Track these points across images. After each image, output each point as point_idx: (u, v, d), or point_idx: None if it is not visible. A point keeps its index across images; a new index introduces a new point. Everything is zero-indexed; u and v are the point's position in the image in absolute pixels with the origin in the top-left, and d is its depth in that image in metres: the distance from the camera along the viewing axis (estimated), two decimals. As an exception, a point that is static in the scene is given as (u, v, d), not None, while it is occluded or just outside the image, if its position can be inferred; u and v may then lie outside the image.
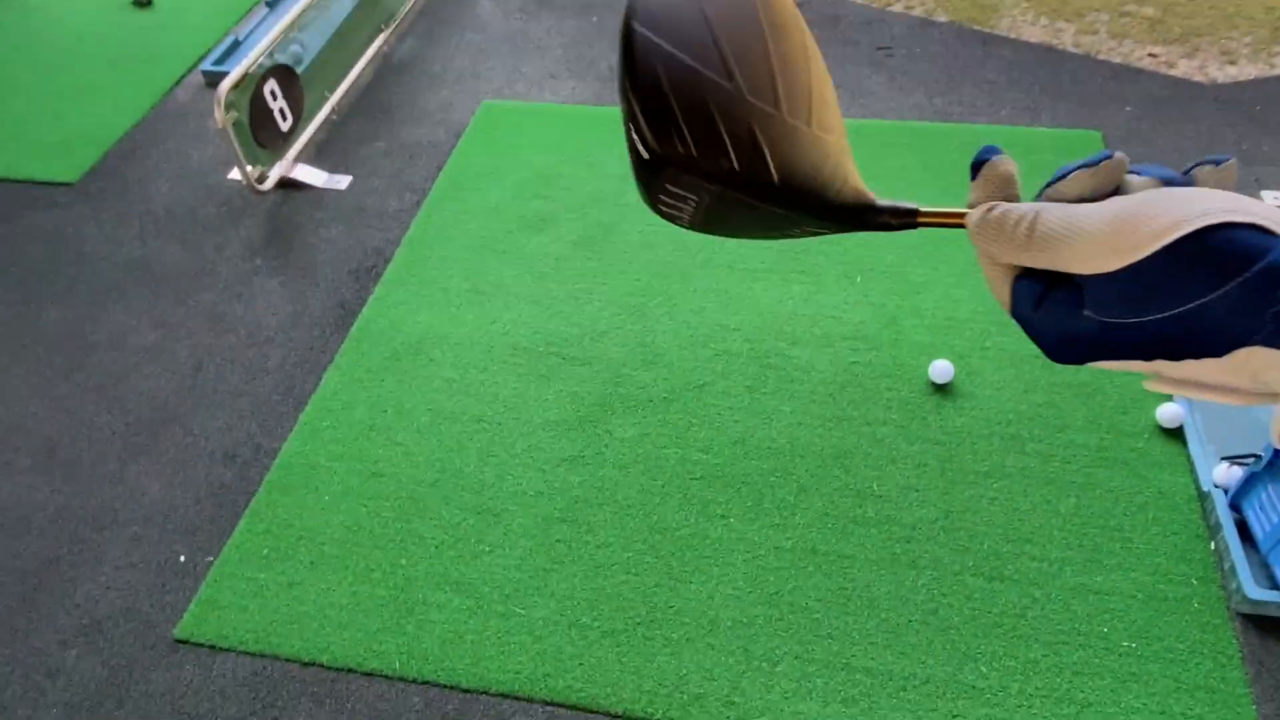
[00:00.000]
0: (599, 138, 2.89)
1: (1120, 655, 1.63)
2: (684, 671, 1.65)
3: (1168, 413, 1.94)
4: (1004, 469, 1.92)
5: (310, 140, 2.92)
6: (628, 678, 1.64)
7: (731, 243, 2.46)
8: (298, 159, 2.85)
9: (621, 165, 2.75)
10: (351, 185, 2.80)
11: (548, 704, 1.63)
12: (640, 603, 1.74)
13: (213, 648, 1.74)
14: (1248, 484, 1.73)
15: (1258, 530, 1.70)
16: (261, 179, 2.72)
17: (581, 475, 1.96)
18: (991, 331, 2.19)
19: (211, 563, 1.87)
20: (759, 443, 2.00)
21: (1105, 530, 1.80)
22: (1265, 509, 1.69)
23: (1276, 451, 1.63)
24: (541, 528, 1.87)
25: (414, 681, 1.67)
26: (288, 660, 1.71)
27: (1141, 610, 1.68)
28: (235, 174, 2.84)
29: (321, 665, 1.70)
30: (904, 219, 0.53)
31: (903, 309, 2.26)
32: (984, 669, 1.62)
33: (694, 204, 0.50)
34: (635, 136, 0.48)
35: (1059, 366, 2.09)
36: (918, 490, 1.89)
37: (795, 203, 0.49)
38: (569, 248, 2.50)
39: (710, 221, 0.52)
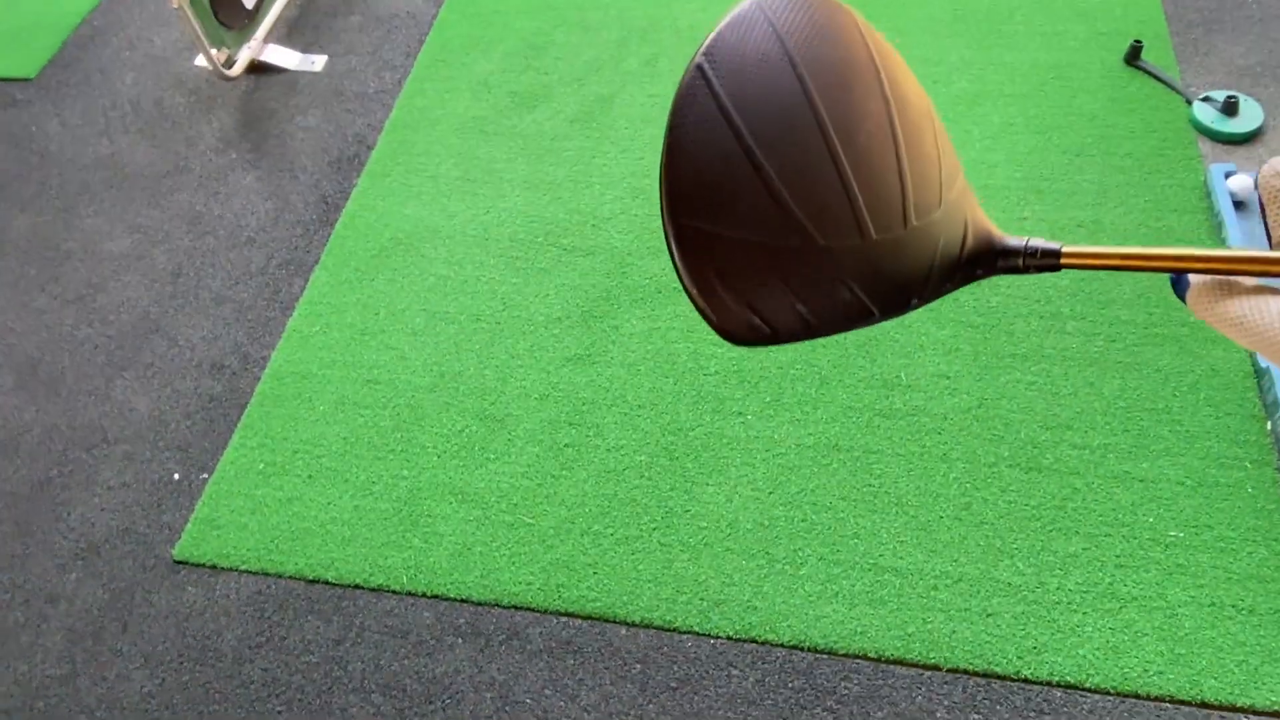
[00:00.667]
0: (594, -1, 2.62)
1: (1167, 546, 1.53)
2: (703, 577, 1.57)
3: (1224, 283, 1.77)
4: (1043, 351, 1.77)
5: (279, 17, 2.68)
6: (644, 585, 1.57)
7: (742, 112, 2.24)
8: (267, 39, 2.61)
9: (620, 29, 2.50)
10: (327, 66, 2.58)
11: (562, 614, 1.56)
12: (655, 507, 1.66)
13: (214, 567, 1.68)
14: (1313, 359, 1.58)
15: (1322, 409, 1.57)
16: (229, 63, 2.50)
17: (588, 375, 1.84)
18: (1030, 199, 2.00)
19: (207, 480, 1.79)
20: (777, 332, 1.86)
21: (1153, 413, 1.67)
22: (1332, 386, 1.55)
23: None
24: (548, 432, 1.76)
25: (423, 596, 1.61)
26: (291, 578, 1.65)
27: (1190, 498, 1.57)
28: (202, 60, 2.62)
29: (326, 582, 1.64)
30: (1045, 260, 0.49)
31: (932, 179, 2.06)
32: (1020, 565, 1.53)
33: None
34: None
35: (1104, 235, 1.92)
36: (949, 378, 1.76)
37: (902, 301, 0.48)
38: (566, 125, 2.30)
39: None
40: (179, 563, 1.70)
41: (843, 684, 1.46)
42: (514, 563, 1.62)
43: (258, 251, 2.16)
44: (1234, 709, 1.38)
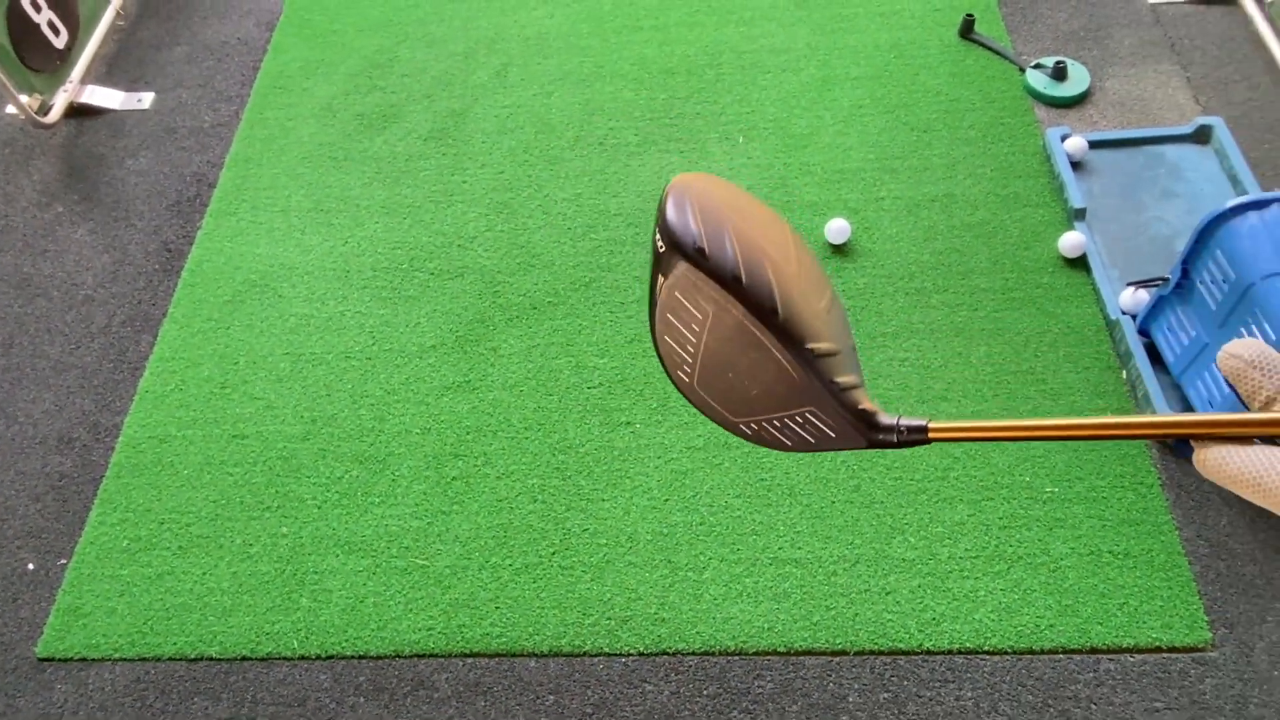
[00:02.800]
0: (436, 9, 2.54)
1: (1045, 503, 1.59)
2: (608, 596, 1.55)
3: (1069, 242, 1.86)
4: (912, 326, 1.82)
5: (96, 55, 2.49)
6: (549, 613, 1.54)
7: (600, 115, 2.23)
8: (85, 79, 2.43)
9: (466, 41, 2.44)
10: (155, 103, 2.41)
11: (468, 656, 1.51)
12: (553, 530, 1.62)
13: (84, 660, 1.55)
14: (1155, 308, 1.68)
15: (1168, 354, 1.67)
16: (44, 109, 2.31)
17: (470, 402, 1.79)
18: (884, 179, 2.05)
19: (65, 566, 1.65)
20: (656, 336, 1.85)
21: (1018, 375, 1.74)
22: (1174, 331, 1.64)
23: (1184, 271, 1.57)
24: (433, 467, 1.70)
25: (318, 658, 1.53)
26: (171, 660, 1.54)
27: (1061, 453, 1.64)
28: (12, 108, 2.41)
29: (210, 658, 1.54)
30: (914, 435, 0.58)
31: (790, 167, 2.09)
32: (911, 539, 1.57)
33: (698, 325, 0.59)
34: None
35: (957, 208, 1.98)
36: (827, 363, 1.79)
37: (796, 351, 0.57)
38: (419, 144, 2.22)
39: (710, 363, 0.61)
40: (44, 660, 1.56)
41: (756, 683, 1.46)
42: (411, 609, 1.55)
43: (98, 310, 2.01)
44: (1121, 650, 1.45)
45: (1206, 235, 1.49)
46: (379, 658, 1.52)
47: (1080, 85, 2.14)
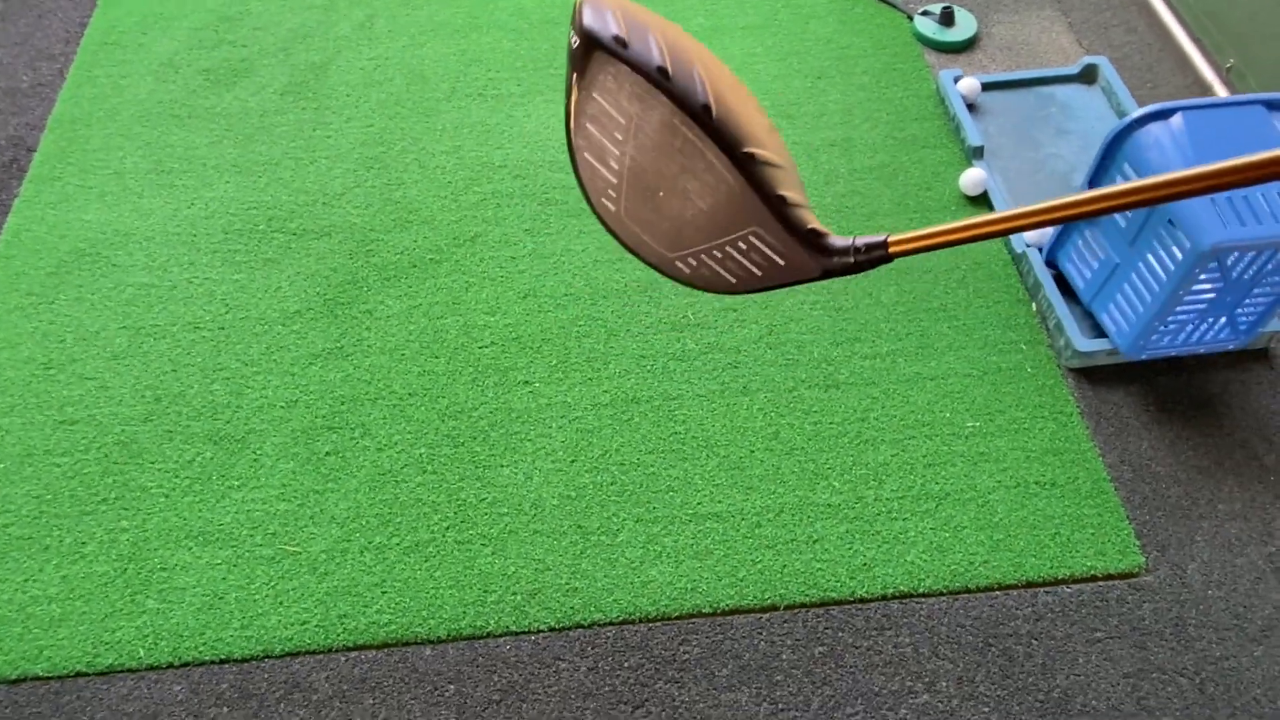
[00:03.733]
0: (291, -37, 2.32)
1: (967, 438, 1.52)
2: (512, 570, 1.38)
3: (970, 179, 1.82)
4: (821, 269, 1.73)
5: (-117, 7, 2.15)
6: (445, 594, 1.35)
7: (478, 66, 2.06)
8: None
9: (325, -8, 2.23)
10: (-41, 60, 2.10)
11: (351, 649, 1.31)
12: (445, 503, 1.44)
13: None
14: (1062, 237, 1.65)
15: (1077, 282, 1.63)
16: None
17: (343, 370, 1.58)
18: (782, 126, 1.96)
19: None
20: (552, 291, 1.69)
21: (931, 313, 1.67)
22: (1082, 258, 1.61)
23: (1089, 194, 1.53)
24: (303, 443, 1.49)
25: (170, 666, 1.30)
26: (-17, 687, 1.28)
27: (979, 387, 1.58)
28: None
29: (37, 678, 1.28)
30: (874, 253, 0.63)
31: (685, 114, 1.98)
32: (836, 484, 1.47)
33: (623, 134, 0.56)
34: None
35: (856, 152, 1.92)
36: (735, 309, 1.68)
37: (733, 157, 0.55)
38: (275, 99, 2.00)
39: (638, 183, 0.58)
40: None
41: (682, 649, 1.32)
42: (281, 603, 1.34)
43: (-113, 290, 1.70)
44: (1057, 582, 1.38)
45: (1114, 150, 1.46)
46: (245, 660, 1.30)
47: (968, 30, 2.13)
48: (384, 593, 1.35)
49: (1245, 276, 1.41)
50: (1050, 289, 1.65)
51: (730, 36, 2.14)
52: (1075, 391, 1.58)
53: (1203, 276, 1.39)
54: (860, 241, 0.57)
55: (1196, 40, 2.07)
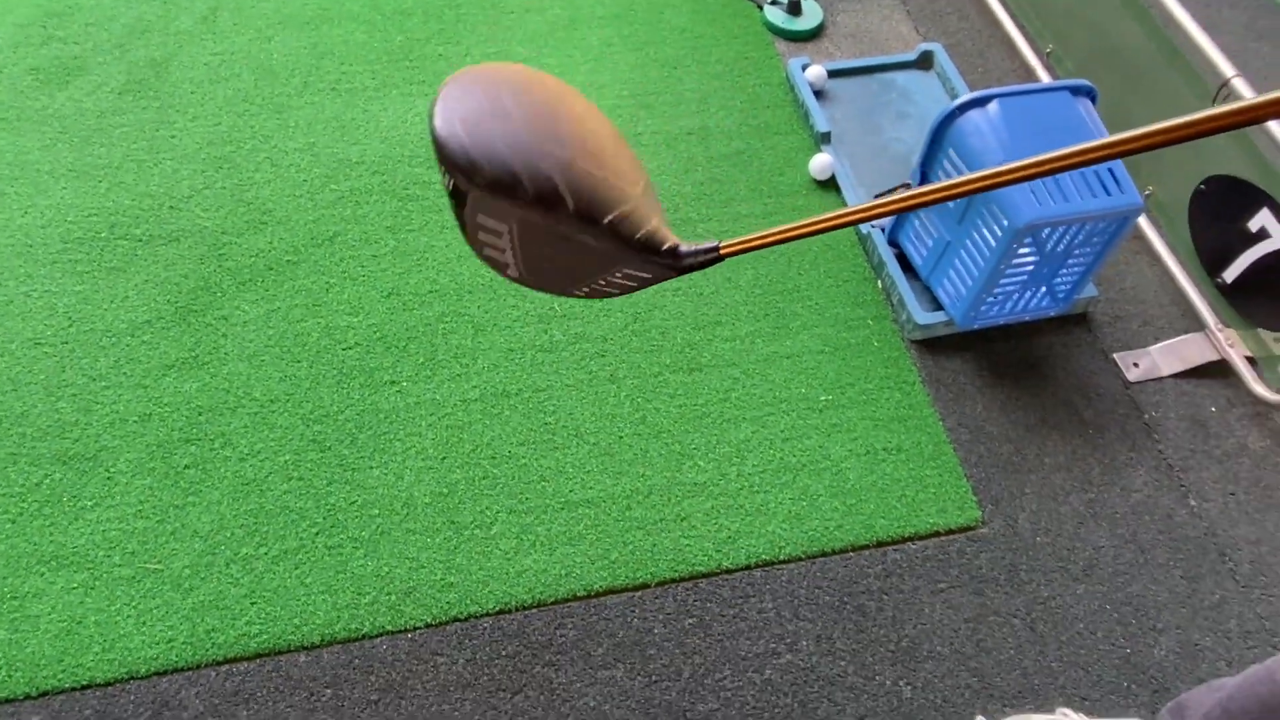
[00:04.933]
0: (123, -48, 2.20)
1: (821, 411, 1.62)
2: (385, 570, 1.38)
3: (818, 164, 1.91)
4: (681, 255, 1.79)
5: None
6: (318, 599, 1.35)
7: (330, 59, 2.02)
8: None
9: (162, -17, 2.13)
10: None
11: (221, 663, 1.30)
12: (314, 509, 1.43)
13: None
14: (901, 217, 1.75)
15: (916, 258, 1.74)
16: None
17: (199, 380, 1.54)
18: (641, 114, 2.01)
19: None
20: (416, 289, 1.69)
21: (785, 294, 1.76)
22: (919, 236, 1.72)
23: (923, 176, 1.64)
24: (160, 457, 1.45)
25: (27, 698, 1.25)
26: None
27: (831, 362, 1.68)
28: None
29: (-125, 727, 1.22)
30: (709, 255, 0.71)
31: (544, 106, 2.00)
32: (701, 463, 1.54)
33: (507, 235, 0.68)
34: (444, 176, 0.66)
35: (713, 140, 1.98)
36: (600, 300, 1.71)
37: (596, 229, 0.66)
38: (113, 98, 1.91)
39: (530, 259, 0.71)
40: None
41: (558, 633, 1.36)
42: (144, 623, 1.31)
43: None
44: (904, 540, 1.49)
45: (939, 136, 1.57)
46: (108, 684, 1.26)
47: (814, 19, 2.22)
48: (253, 603, 1.34)
49: (1058, 249, 1.55)
50: (893, 267, 1.75)
51: (588, 27, 2.16)
52: (917, 362, 1.69)
53: (1021, 251, 1.51)
54: (697, 249, 0.71)
55: (1021, 27, 2.23)
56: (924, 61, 2.13)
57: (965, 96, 1.51)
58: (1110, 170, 1.48)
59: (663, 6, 2.23)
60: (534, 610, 1.38)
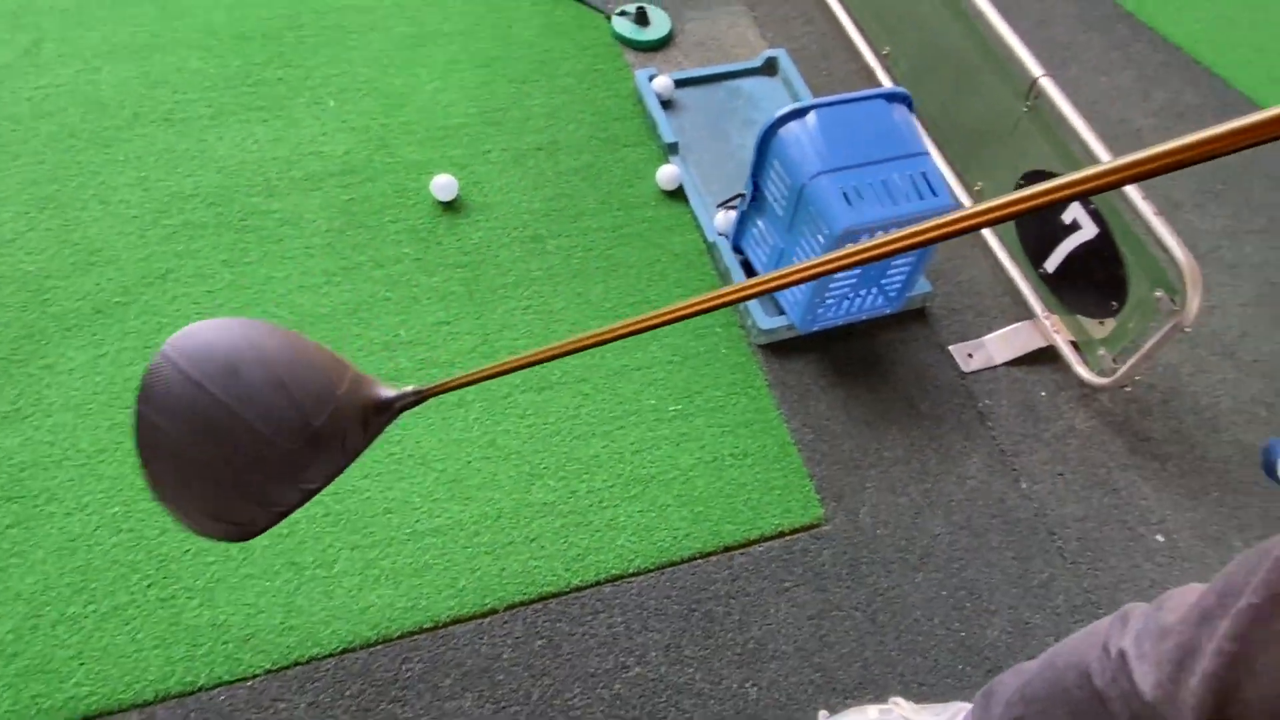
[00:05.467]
0: (-66, -18, 2.09)
1: (670, 421, 1.64)
2: (222, 618, 1.36)
3: (665, 175, 1.93)
4: (530, 275, 1.80)
5: None
6: (150, 655, 1.31)
7: (163, 89, 1.96)
8: None
9: (-24, 14, 2.03)
10: None
11: (48, 731, 1.25)
12: (145, 561, 1.39)
13: None
14: (741, 224, 1.79)
15: (757, 265, 1.78)
16: None
17: (21, 434, 1.48)
18: (489, 132, 2.00)
19: None
20: (255, 323, 1.65)
21: (635, 305, 1.78)
22: (759, 243, 1.76)
23: (755, 185, 1.68)
24: (-23, 519, 1.39)
25: None
26: None
27: (680, 371, 1.70)
28: None
29: None
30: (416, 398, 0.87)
31: (390, 127, 1.98)
32: (551, 482, 1.55)
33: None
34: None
35: (561, 154, 1.99)
36: (449, 323, 1.71)
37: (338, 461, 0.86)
38: (-77, 140, 1.82)
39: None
40: None
41: (404, 668, 1.35)
42: (-39, 695, 1.26)
43: None
44: (750, 543, 1.53)
45: (764, 148, 1.60)
46: (-80, 765, 1.21)
47: (662, 29, 2.24)
48: (82, 664, 1.30)
49: (882, 252, 1.60)
50: (737, 274, 1.79)
51: (434, 44, 2.14)
52: (764, 366, 1.73)
53: (845, 256, 1.56)
54: (405, 391, 0.85)
55: (861, 30, 2.30)
56: (769, 68, 2.18)
57: (784, 109, 1.55)
58: (924, 174, 1.54)
59: (511, 21, 2.22)
60: (379, 647, 1.37)
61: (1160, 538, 1.61)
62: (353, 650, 1.36)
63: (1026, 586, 1.53)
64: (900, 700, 1.35)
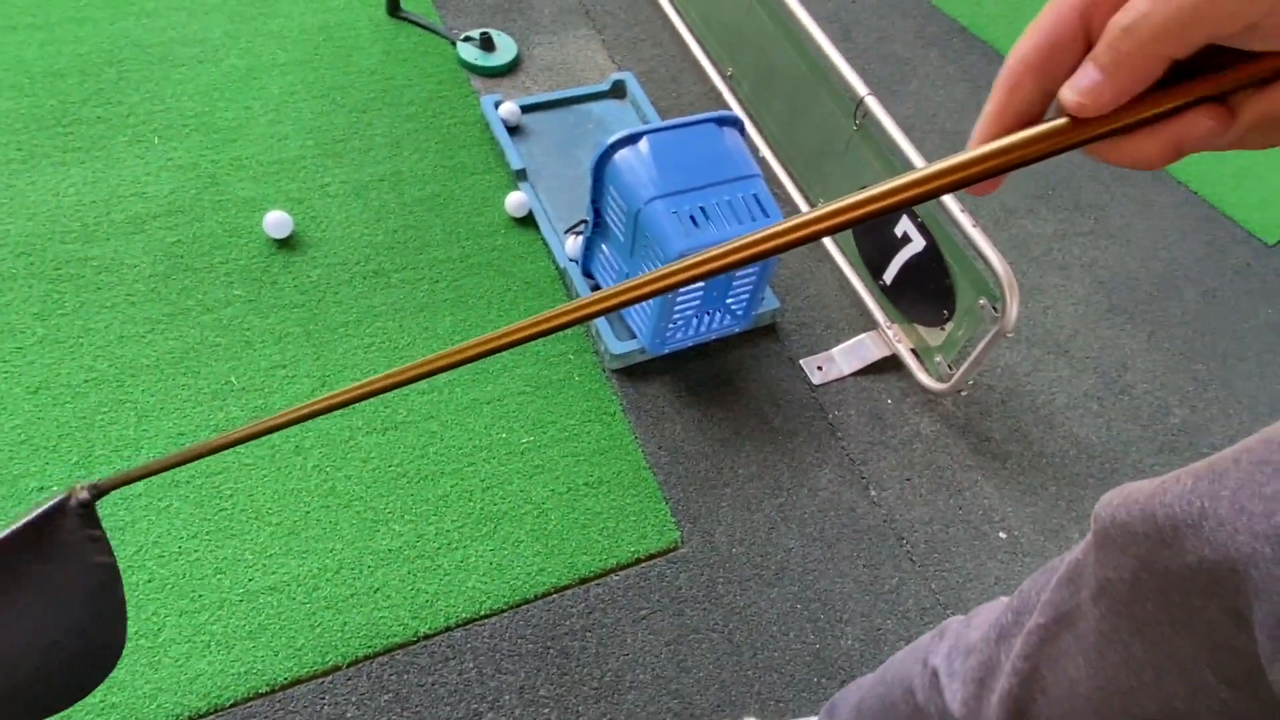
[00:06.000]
0: None
1: (523, 453, 1.61)
2: (30, 703, 1.25)
3: (514, 202, 1.91)
4: (374, 311, 1.74)
5: None
6: (-54, 752, 1.20)
7: (-40, 132, 1.82)
8: None
9: None
10: None
11: None
12: (-59, 648, 1.27)
13: None
14: (588, 249, 1.78)
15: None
16: None
17: None
18: (327, 165, 1.94)
19: None
20: (69, 379, 1.55)
21: (485, 337, 1.74)
22: (606, 266, 1.75)
23: (596, 211, 1.67)
24: None
25: None
26: None
27: (533, 402, 1.68)
28: None
29: None
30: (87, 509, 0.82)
31: (220, 164, 1.89)
32: (397, 527, 1.50)
33: None
34: None
35: (406, 185, 1.94)
36: (284, 366, 1.64)
37: None
38: None
39: None
40: None
41: (238, 737, 1.28)
42: None
43: None
44: (606, 573, 1.51)
45: (600, 173, 1.60)
46: None
47: (508, 54, 2.22)
48: None
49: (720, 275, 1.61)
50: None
51: (268, 75, 2.06)
52: (618, 391, 1.73)
53: (684, 279, 1.57)
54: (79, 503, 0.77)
55: (707, 52, 2.33)
56: (617, 90, 2.19)
57: (615, 136, 1.55)
58: (756, 196, 1.57)
59: (350, 50, 2.17)
60: (210, 717, 1.29)
61: (1003, 535, 1.67)
62: (180, 724, 1.28)
63: (877, 593, 1.56)
64: (752, 721, 1.35)
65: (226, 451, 1.48)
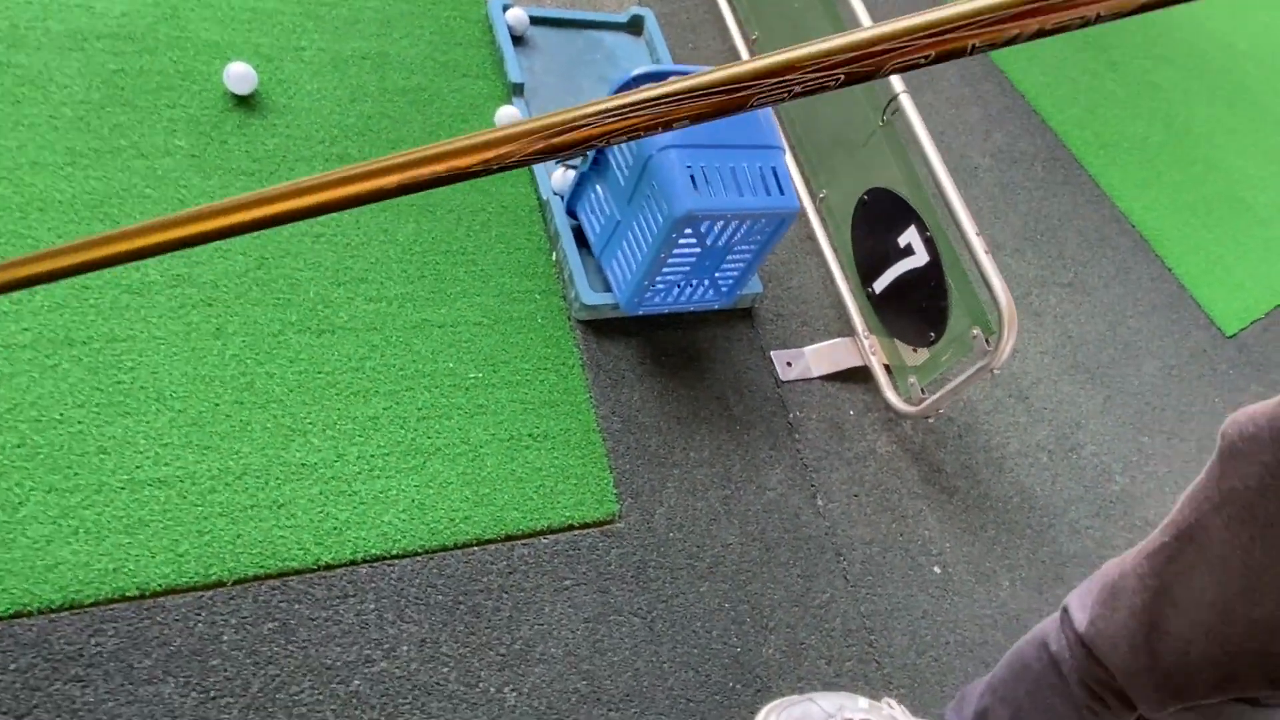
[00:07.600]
0: None
1: (467, 389, 1.48)
2: None
3: (505, 116, 1.75)
4: (331, 198, 1.56)
5: None
6: None
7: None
8: None
9: None
10: None
11: None
12: None
13: None
14: (579, 187, 1.64)
15: (590, 233, 1.64)
16: None
17: None
18: (306, 26, 1.73)
19: None
20: (-37, 196, 1.33)
21: (449, 255, 1.59)
22: (596, 210, 1.62)
23: (600, 149, 1.53)
24: None
25: None
26: None
27: (488, 337, 1.54)
28: None
29: None
30: None
31: (185, -4, 1.66)
32: (315, 440, 1.34)
33: None
34: None
35: (390, 70, 1.75)
36: (220, 237, 1.45)
37: None
38: None
39: None
40: None
41: (93, 641, 1.12)
42: None
43: None
44: (535, 534, 1.40)
45: (615, 106, 1.46)
46: None
47: (527, -42, 2.04)
48: None
49: (719, 243, 1.51)
50: (567, 239, 1.64)
51: (258, -88, 1.82)
52: (581, 343, 1.60)
53: (681, 241, 1.45)
54: None
55: (734, 10, 2.19)
56: (634, 26, 2.04)
57: (645, 68, 1.42)
58: (774, 169, 1.46)
59: (356, -93, 1.94)
60: (65, 613, 1.12)
61: (937, 569, 1.63)
62: (29, 615, 1.11)
63: (807, 606, 1.50)
64: (893, 702, 1.31)
65: (136, 318, 1.30)
